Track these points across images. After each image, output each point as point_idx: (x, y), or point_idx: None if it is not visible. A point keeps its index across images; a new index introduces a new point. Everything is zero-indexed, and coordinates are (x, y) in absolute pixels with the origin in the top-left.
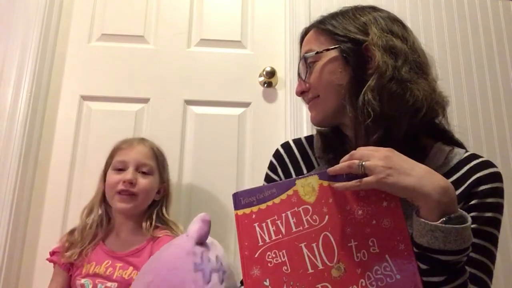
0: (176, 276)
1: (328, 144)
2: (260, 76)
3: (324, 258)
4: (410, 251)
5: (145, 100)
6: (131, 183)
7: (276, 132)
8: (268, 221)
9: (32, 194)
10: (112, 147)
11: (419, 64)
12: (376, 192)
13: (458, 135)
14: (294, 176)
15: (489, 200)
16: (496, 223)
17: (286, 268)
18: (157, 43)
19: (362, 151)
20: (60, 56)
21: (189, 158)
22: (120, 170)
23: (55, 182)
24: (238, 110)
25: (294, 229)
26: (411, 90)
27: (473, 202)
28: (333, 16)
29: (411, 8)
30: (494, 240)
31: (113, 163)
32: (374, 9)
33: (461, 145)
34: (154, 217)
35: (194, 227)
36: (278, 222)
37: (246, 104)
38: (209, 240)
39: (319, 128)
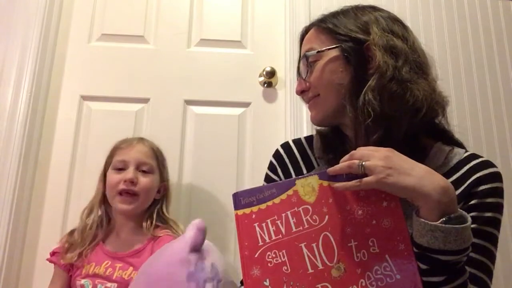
0: (168, 287)
1: (327, 144)
2: (260, 76)
3: (324, 258)
4: (410, 251)
5: (145, 100)
6: (132, 182)
7: (276, 132)
8: (268, 221)
9: (32, 194)
10: (111, 147)
11: (419, 64)
12: (376, 192)
13: (458, 135)
14: (294, 176)
15: (489, 200)
16: (496, 223)
17: (286, 268)
18: (157, 43)
19: (362, 151)
20: (60, 56)
21: (189, 158)
22: (121, 169)
23: (55, 182)
24: (238, 110)
25: (294, 229)
26: (411, 90)
27: (473, 202)
28: (334, 15)
29: (411, 8)
30: (494, 240)
31: (113, 163)
32: (374, 8)
33: (461, 145)
34: (154, 216)
35: (189, 234)
36: (278, 222)
37: (246, 104)
38: (206, 245)
39: (318, 128)
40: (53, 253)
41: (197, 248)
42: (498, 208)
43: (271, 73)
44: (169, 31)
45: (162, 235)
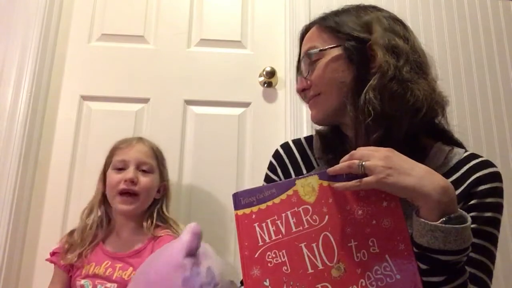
0: None
1: (327, 144)
2: (260, 76)
3: (324, 258)
4: (410, 251)
5: (145, 100)
6: (133, 181)
7: (276, 132)
8: (268, 221)
9: (32, 194)
10: (111, 147)
11: (419, 64)
12: (376, 192)
13: (458, 135)
14: (293, 176)
15: (489, 200)
16: (495, 223)
17: (286, 268)
18: (157, 43)
19: (362, 151)
20: (60, 56)
21: (189, 158)
22: (121, 169)
23: (55, 182)
24: (238, 110)
25: (294, 229)
26: (411, 90)
27: (472, 202)
28: (336, 13)
29: (411, 8)
30: (493, 240)
31: (113, 163)
32: (375, 8)
33: (460, 145)
34: (155, 216)
35: (184, 239)
36: (278, 222)
37: (246, 104)
38: (203, 249)
39: (318, 128)
40: (53, 253)
41: (192, 253)
42: (498, 208)
43: (271, 73)
44: (169, 31)
45: (163, 235)
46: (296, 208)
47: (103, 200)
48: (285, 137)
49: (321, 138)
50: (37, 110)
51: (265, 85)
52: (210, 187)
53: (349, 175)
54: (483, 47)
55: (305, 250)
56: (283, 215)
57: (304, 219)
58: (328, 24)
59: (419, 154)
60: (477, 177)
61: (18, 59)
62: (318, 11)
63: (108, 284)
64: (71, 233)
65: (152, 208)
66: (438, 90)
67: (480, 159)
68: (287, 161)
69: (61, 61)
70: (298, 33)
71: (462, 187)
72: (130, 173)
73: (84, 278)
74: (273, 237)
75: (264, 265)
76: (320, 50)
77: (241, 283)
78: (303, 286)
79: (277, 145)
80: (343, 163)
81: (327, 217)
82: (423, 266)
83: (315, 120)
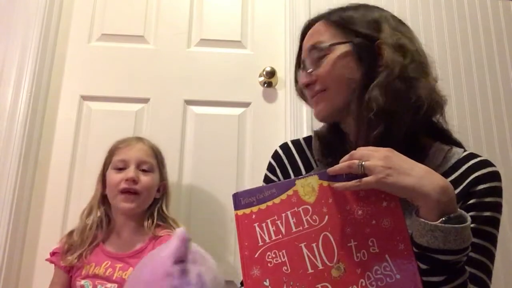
0: None
1: (327, 144)
2: (260, 76)
3: (324, 258)
4: (410, 251)
5: (145, 100)
6: (134, 181)
7: (276, 132)
8: (268, 221)
9: (32, 194)
10: (110, 147)
11: (422, 64)
12: (376, 192)
13: (458, 135)
14: (292, 176)
15: (488, 199)
16: (495, 222)
17: (286, 268)
18: (157, 43)
19: (362, 151)
20: (60, 56)
21: (189, 158)
22: (121, 169)
23: (55, 182)
24: (238, 110)
25: (294, 229)
26: (415, 88)
27: (471, 201)
28: (343, 9)
29: (411, 8)
30: (493, 240)
31: (113, 163)
32: (379, 8)
33: (459, 145)
34: (155, 215)
35: (172, 245)
36: (278, 222)
37: (246, 104)
38: (194, 253)
39: (317, 129)
40: (53, 253)
41: (181, 259)
42: (497, 207)
43: (271, 73)
44: (169, 31)
45: (163, 235)
46: (296, 208)
47: (103, 200)
48: (285, 137)
49: (320, 140)
50: (37, 110)
51: (265, 85)
52: (210, 187)
53: (349, 175)
54: (483, 47)
55: (305, 250)
56: (283, 215)
57: (304, 219)
58: (336, 19)
59: (418, 153)
60: (476, 177)
61: (18, 59)
62: (318, 11)
63: (108, 285)
64: (70, 233)
65: (153, 208)
66: (438, 89)
67: (479, 159)
68: (286, 161)
69: (61, 61)
70: (298, 33)
71: (461, 187)
72: (131, 172)
73: (84, 278)
74: (273, 237)
75: (264, 265)
76: (330, 45)
77: (241, 283)
78: (303, 286)
79: (277, 145)
80: (343, 163)
81: (327, 217)
82: (423, 266)
83: (320, 116)
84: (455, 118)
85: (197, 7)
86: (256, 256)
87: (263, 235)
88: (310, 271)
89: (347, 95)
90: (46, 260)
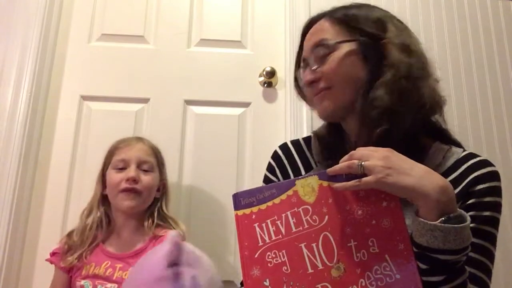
0: None
1: (326, 145)
2: (260, 76)
3: (324, 258)
4: (410, 251)
5: (145, 100)
6: (135, 180)
7: (276, 132)
8: (268, 221)
9: (32, 194)
10: (109, 147)
11: (424, 64)
12: (376, 192)
13: (458, 135)
14: (292, 177)
15: (487, 199)
16: (494, 222)
17: (286, 268)
18: (157, 43)
19: (361, 151)
20: (60, 56)
21: (189, 158)
22: (122, 169)
23: (55, 182)
24: (238, 110)
25: (294, 229)
26: (418, 88)
27: (471, 201)
28: (346, 8)
29: (411, 8)
30: (492, 239)
31: (113, 162)
32: (379, 9)
33: (458, 144)
34: (155, 214)
35: (165, 248)
36: (278, 222)
37: (246, 104)
38: (188, 255)
39: (316, 131)
40: (53, 254)
41: (174, 262)
42: (496, 207)
43: (271, 73)
44: (169, 31)
45: (164, 234)
46: (296, 208)
47: (103, 201)
48: (285, 137)
49: (320, 141)
50: (37, 110)
51: (265, 85)
52: (210, 187)
53: (349, 176)
54: (483, 47)
55: (305, 250)
56: (283, 215)
57: (304, 219)
58: (340, 16)
59: (418, 153)
60: (475, 176)
61: (18, 59)
62: (318, 11)
63: (108, 285)
64: (70, 234)
65: (153, 207)
66: (438, 89)
67: (478, 158)
68: (285, 162)
69: (61, 61)
70: (298, 33)
71: (461, 186)
72: (132, 172)
73: (84, 278)
74: (273, 237)
75: (264, 265)
76: (337, 43)
77: (241, 283)
78: (303, 286)
79: (277, 145)
80: (343, 163)
81: (327, 217)
82: (422, 266)
83: (324, 114)
84: (455, 118)
85: (197, 7)
86: (256, 256)
87: (263, 235)
88: (310, 271)
89: (352, 93)
90: (46, 260)
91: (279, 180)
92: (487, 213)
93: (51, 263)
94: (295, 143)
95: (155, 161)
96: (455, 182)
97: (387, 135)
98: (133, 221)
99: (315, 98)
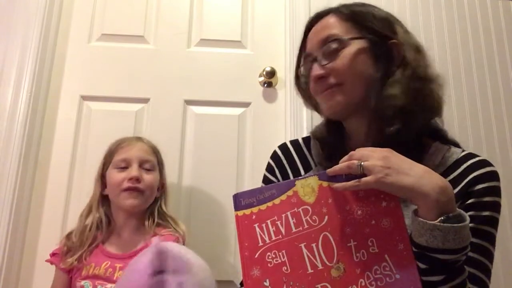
0: None
1: (326, 145)
2: (260, 76)
3: (324, 258)
4: (409, 250)
5: (145, 100)
6: (137, 179)
7: (276, 132)
8: (268, 221)
9: (32, 194)
10: (109, 147)
11: (430, 65)
12: (376, 192)
13: (458, 135)
14: (291, 177)
15: (486, 199)
16: (493, 222)
17: (286, 268)
18: (157, 43)
19: (361, 151)
20: (60, 56)
21: (189, 158)
22: (123, 168)
23: (55, 182)
24: (238, 110)
25: (294, 230)
26: (430, 89)
27: (470, 201)
28: (352, 5)
29: (411, 8)
30: (492, 239)
31: (114, 162)
32: (379, 9)
33: (457, 145)
34: (155, 214)
35: (147, 257)
36: (278, 222)
37: (246, 104)
38: (176, 261)
39: (315, 131)
40: (52, 254)
41: (159, 270)
42: (496, 207)
43: (271, 73)
44: (169, 31)
45: (164, 234)
46: (296, 209)
47: (102, 201)
48: (285, 137)
49: (320, 141)
50: (37, 110)
51: (265, 85)
52: (210, 187)
53: (349, 176)
54: (483, 47)
55: (304, 250)
56: (283, 215)
57: (304, 219)
58: (348, 13)
59: (418, 153)
60: (475, 176)
61: (18, 59)
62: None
63: (109, 285)
64: (69, 235)
65: (153, 207)
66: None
67: (477, 158)
68: (285, 162)
69: (61, 61)
70: (298, 33)
71: (460, 186)
72: (134, 171)
73: (84, 279)
74: (273, 238)
75: (264, 265)
76: (349, 39)
77: (241, 283)
78: (303, 286)
79: (277, 145)
80: (342, 164)
81: (326, 217)
82: (422, 266)
83: (332, 110)
84: (455, 118)
85: (197, 7)
86: (256, 256)
87: (263, 235)
88: (310, 271)
89: (362, 90)
90: (46, 261)
91: (278, 180)
92: (486, 213)
93: (51, 263)
94: (295, 143)
95: (156, 160)
96: (455, 182)
97: (398, 135)
98: (134, 221)
99: (323, 94)
